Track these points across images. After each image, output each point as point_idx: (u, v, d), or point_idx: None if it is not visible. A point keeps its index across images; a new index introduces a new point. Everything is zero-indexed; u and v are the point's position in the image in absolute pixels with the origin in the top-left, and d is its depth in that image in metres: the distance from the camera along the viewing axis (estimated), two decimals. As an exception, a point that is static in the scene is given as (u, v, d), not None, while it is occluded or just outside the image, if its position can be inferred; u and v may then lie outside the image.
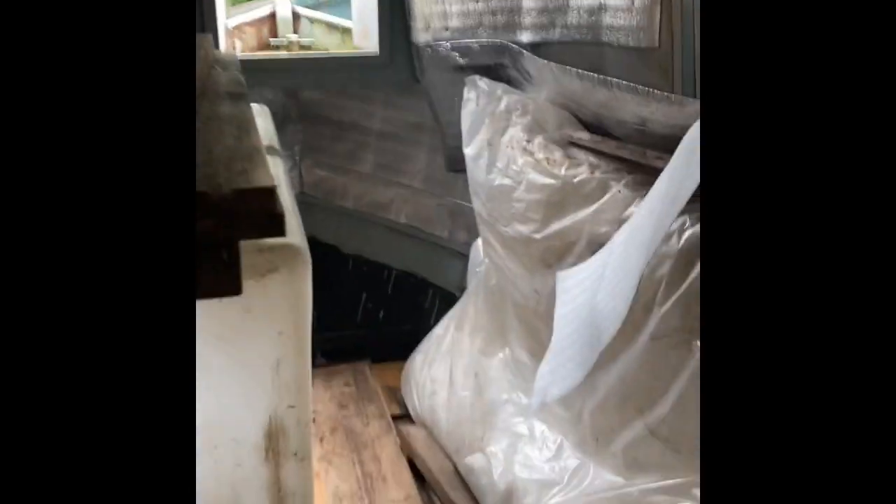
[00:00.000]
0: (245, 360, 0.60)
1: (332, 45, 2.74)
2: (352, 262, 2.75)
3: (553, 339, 1.21)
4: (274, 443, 0.61)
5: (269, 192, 0.44)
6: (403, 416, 2.19)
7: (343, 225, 2.75)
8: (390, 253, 2.69)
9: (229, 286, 0.45)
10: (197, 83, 0.66)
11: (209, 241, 0.42)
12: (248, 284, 0.51)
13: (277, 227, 0.45)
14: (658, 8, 1.52)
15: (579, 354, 1.09)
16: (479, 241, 2.11)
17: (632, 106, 1.47)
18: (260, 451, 0.60)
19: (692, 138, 1.09)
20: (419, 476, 1.91)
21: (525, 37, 1.98)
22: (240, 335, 0.58)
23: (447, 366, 2.07)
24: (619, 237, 1.20)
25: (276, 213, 0.44)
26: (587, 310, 1.11)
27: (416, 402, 2.14)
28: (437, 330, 2.24)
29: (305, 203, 2.79)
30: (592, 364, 1.05)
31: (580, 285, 1.21)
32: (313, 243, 2.81)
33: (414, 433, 2.04)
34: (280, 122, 2.82)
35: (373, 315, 2.73)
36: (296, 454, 0.63)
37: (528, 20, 1.96)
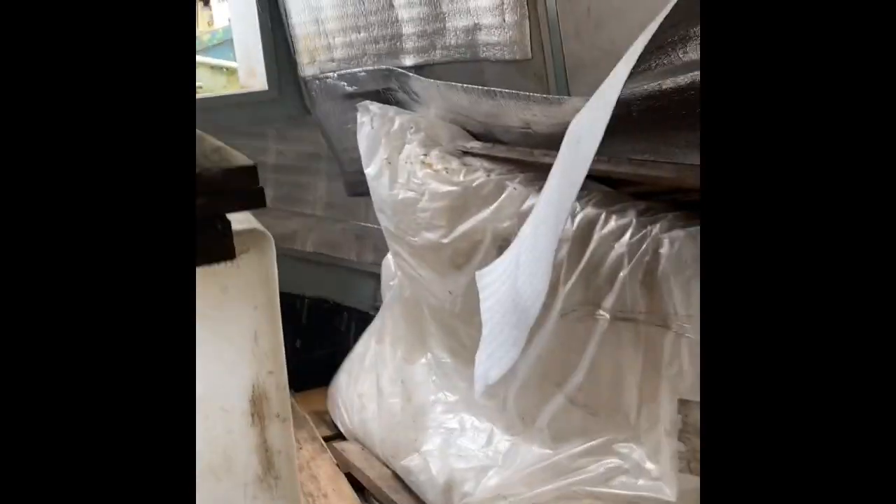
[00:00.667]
0: (227, 335, 0.67)
1: (217, 87, 2.78)
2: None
3: (484, 330, 1.32)
4: (258, 407, 0.68)
5: (251, 170, 0.53)
6: (335, 437, 2.23)
7: (249, 261, 2.77)
8: (301, 282, 2.73)
9: (224, 252, 0.52)
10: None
11: (204, 214, 0.49)
12: (223, 266, 0.59)
13: (259, 199, 0.53)
14: (527, 22, 1.70)
15: (510, 336, 1.20)
16: (389, 257, 2.21)
17: (515, 111, 1.62)
18: (246, 417, 0.67)
19: (573, 132, 1.24)
20: (360, 488, 1.96)
21: (408, 60, 2.12)
22: (221, 312, 0.65)
23: (373, 379, 2.14)
24: (527, 228, 1.34)
25: (257, 188, 0.53)
26: (510, 296, 1.23)
27: (346, 419, 2.19)
28: (358, 348, 2.31)
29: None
30: (524, 341, 1.18)
31: (499, 279, 1.34)
32: None
33: (348, 448, 2.09)
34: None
35: (289, 345, 2.74)
36: (278, 415, 0.70)
37: (409, 45, 2.10)
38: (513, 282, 1.30)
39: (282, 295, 2.65)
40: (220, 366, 0.66)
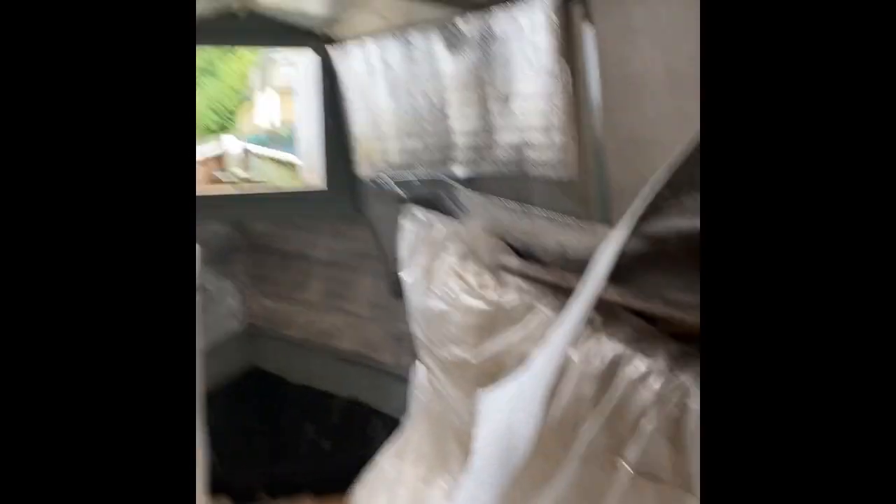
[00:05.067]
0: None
1: (279, 180, 2.85)
2: (298, 392, 2.73)
3: (473, 462, 1.21)
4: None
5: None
6: (347, 553, 2.10)
7: (289, 354, 2.75)
8: (336, 381, 2.67)
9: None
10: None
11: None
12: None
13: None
14: (573, 144, 1.65)
15: (493, 475, 1.09)
16: (420, 366, 2.13)
17: (552, 233, 1.56)
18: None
19: (595, 263, 1.16)
20: None
21: (458, 170, 2.10)
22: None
23: (388, 499, 2.02)
24: (537, 358, 1.24)
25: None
26: (505, 431, 1.13)
27: (358, 537, 2.06)
28: (380, 460, 2.20)
29: (251, 334, 2.80)
30: (504, 487, 1.06)
31: (499, 406, 1.24)
32: (258, 374, 2.80)
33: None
34: (227, 252, 2.88)
35: (318, 446, 2.67)
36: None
37: (460, 156, 2.09)
38: (510, 414, 1.19)
39: (314, 392, 2.61)
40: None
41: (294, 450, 2.68)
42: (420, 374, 2.14)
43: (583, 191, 1.71)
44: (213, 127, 13.93)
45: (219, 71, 14.85)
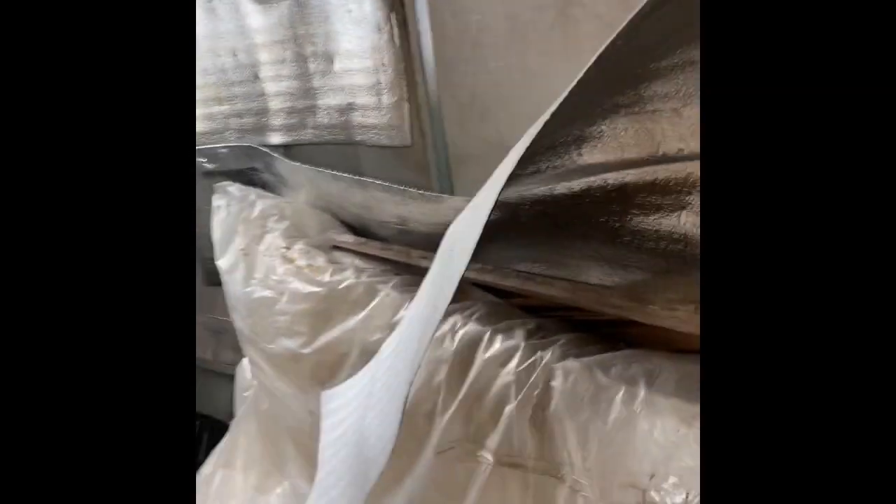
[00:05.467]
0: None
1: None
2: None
3: (318, 475, 1.04)
4: None
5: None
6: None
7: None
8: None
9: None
10: None
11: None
12: None
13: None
14: (406, 105, 1.50)
15: (344, 496, 0.93)
16: (246, 361, 1.90)
17: (390, 206, 1.40)
18: None
19: (449, 241, 1.02)
20: None
21: (276, 139, 1.87)
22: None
23: (217, 513, 1.78)
24: (387, 348, 1.09)
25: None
26: (355, 437, 0.97)
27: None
28: (205, 469, 1.94)
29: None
30: (361, 502, 0.90)
31: (347, 406, 1.07)
32: None
33: None
34: None
35: (128, 461, 2.33)
36: None
37: (277, 122, 1.86)
38: (361, 417, 1.03)
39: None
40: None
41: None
42: (245, 371, 1.90)
43: (420, 159, 1.57)
44: None
45: None
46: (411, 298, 1.34)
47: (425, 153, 1.59)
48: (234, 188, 1.82)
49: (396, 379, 0.93)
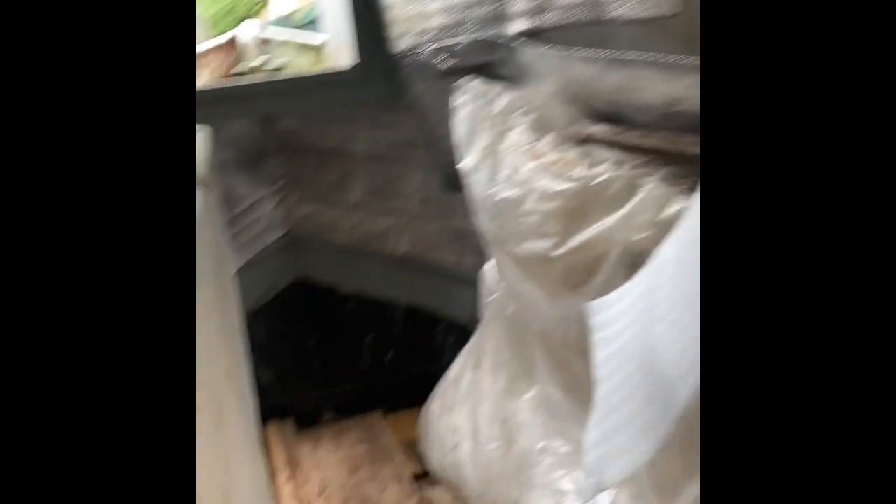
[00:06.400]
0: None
1: (305, 67, 2.52)
2: (352, 301, 2.49)
3: (597, 393, 0.93)
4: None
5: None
6: (425, 475, 1.90)
7: (338, 262, 2.50)
8: (393, 288, 2.42)
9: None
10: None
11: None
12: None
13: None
14: (673, -36, 1.26)
15: (641, 415, 0.81)
16: (491, 265, 1.84)
17: (656, 84, 1.20)
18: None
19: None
20: (449, 548, 1.62)
21: (517, 26, 1.72)
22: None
23: (468, 412, 1.79)
24: (668, 251, 0.93)
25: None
26: (640, 351, 0.84)
27: (437, 457, 1.86)
28: (453, 370, 1.96)
29: (294, 243, 2.55)
30: (667, 430, 0.77)
31: (622, 318, 0.94)
32: (308, 286, 2.51)
33: (438, 498, 1.75)
34: (257, 156, 2.59)
35: (380, 359, 2.45)
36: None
37: (517, 7, 1.71)
38: (644, 329, 0.89)
39: (372, 301, 2.36)
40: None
41: (355, 365, 2.47)
42: (490, 275, 1.86)
43: (687, 28, 1.33)
44: (243, 12, 13.31)
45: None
46: (685, 190, 1.16)
47: (692, 22, 1.35)
48: (476, 83, 1.72)
49: (689, 286, 0.78)
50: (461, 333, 2.24)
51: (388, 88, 2.18)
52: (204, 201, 0.71)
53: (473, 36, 1.82)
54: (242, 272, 2.44)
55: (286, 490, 1.84)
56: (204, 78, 2.40)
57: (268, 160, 2.54)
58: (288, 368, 2.45)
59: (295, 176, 2.57)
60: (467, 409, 1.80)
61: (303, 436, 2.15)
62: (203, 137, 1.02)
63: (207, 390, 0.82)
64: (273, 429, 2.14)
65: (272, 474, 1.92)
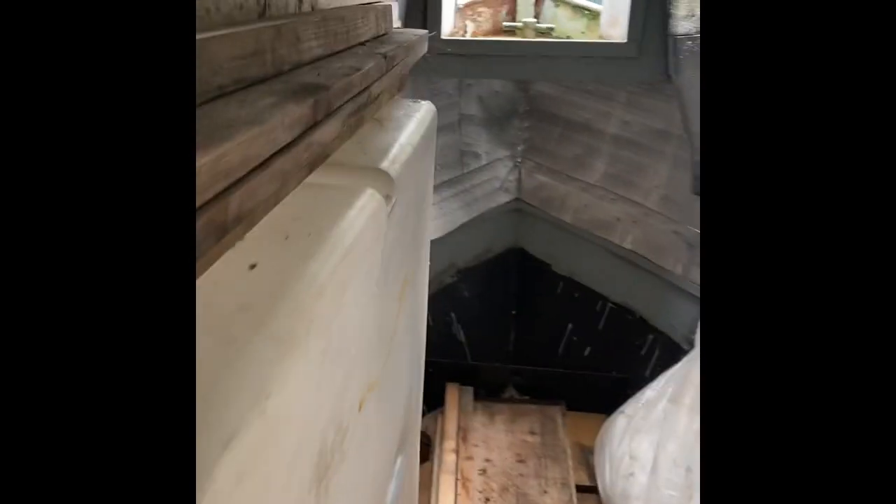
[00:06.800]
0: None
1: (575, 32, 2.38)
2: (562, 284, 2.39)
3: None
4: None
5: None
6: (590, 489, 1.78)
7: (559, 241, 2.39)
8: (608, 281, 2.27)
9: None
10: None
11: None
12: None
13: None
14: None
15: None
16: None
17: None
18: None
19: None
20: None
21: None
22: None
23: (653, 443, 1.63)
24: None
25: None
26: None
27: (607, 476, 1.73)
28: (650, 391, 1.79)
29: (520, 211, 2.49)
30: None
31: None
32: (524, 256, 2.41)
33: (597, 522, 1.64)
34: (506, 115, 2.53)
35: (578, 351, 2.34)
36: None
37: None
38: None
39: (581, 289, 2.23)
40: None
41: (550, 349, 2.39)
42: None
43: None
44: None
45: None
46: None
47: None
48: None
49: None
50: (671, 350, 2.04)
51: (656, 71, 1.98)
52: (387, 214, 0.63)
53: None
54: (464, 228, 2.44)
55: (449, 458, 1.84)
56: (474, 27, 2.38)
57: (514, 122, 2.48)
58: (484, 334, 2.44)
59: (537, 143, 2.48)
60: (653, 439, 1.64)
61: (480, 407, 2.13)
62: (423, 118, 0.95)
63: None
64: (452, 390, 2.14)
65: (441, 436, 1.93)
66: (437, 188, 2.27)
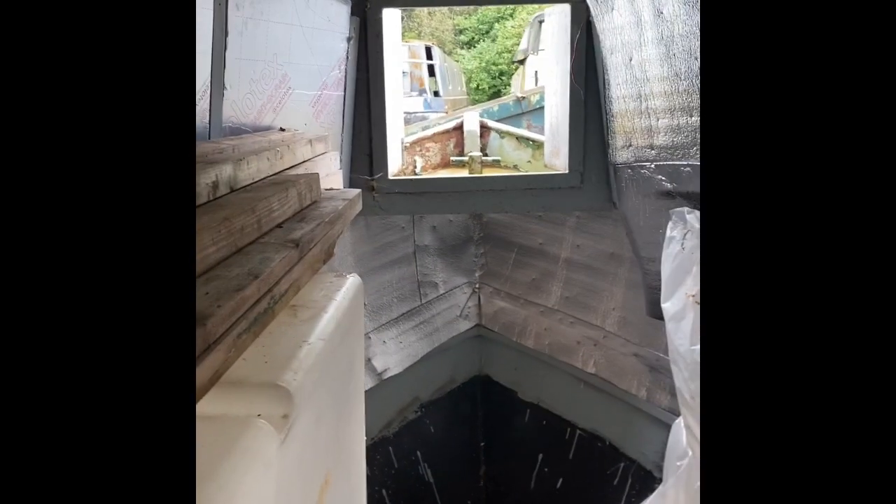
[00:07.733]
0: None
1: (521, 161, 2.45)
2: (529, 412, 2.33)
3: None
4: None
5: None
6: None
7: (523, 366, 2.36)
8: (575, 407, 2.23)
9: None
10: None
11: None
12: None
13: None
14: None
15: None
16: (680, 422, 1.59)
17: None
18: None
19: None
20: None
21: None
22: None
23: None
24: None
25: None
26: None
27: None
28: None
29: (482, 337, 2.46)
30: None
31: None
32: (489, 383, 2.36)
33: None
34: (461, 243, 2.55)
35: (550, 484, 2.25)
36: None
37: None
38: None
39: (551, 417, 2.17)
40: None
41: (522, 482, 2.30)
42: (679, 435, 1.60)
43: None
44: (487, 90, 13.97)
45: (496, 33, 14.81)
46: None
47: None
48: (693, 217, 1.51)
49: None
50: (644, 479, 1.98)
51: (600, 198, 2.03)
52: (281, 440, 0.60)
53: (699, 163, 1.61)
54: (426, 360, 2.39)
55: None
56: (423, 162, 2.43)
57: (469, 249, 2.50)
58: (452, 471, 2.35)
59: (493, 269, 2.49)
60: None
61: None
62: (349, 292, 0.94)
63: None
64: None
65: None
66: (395, 321, 2.25)
